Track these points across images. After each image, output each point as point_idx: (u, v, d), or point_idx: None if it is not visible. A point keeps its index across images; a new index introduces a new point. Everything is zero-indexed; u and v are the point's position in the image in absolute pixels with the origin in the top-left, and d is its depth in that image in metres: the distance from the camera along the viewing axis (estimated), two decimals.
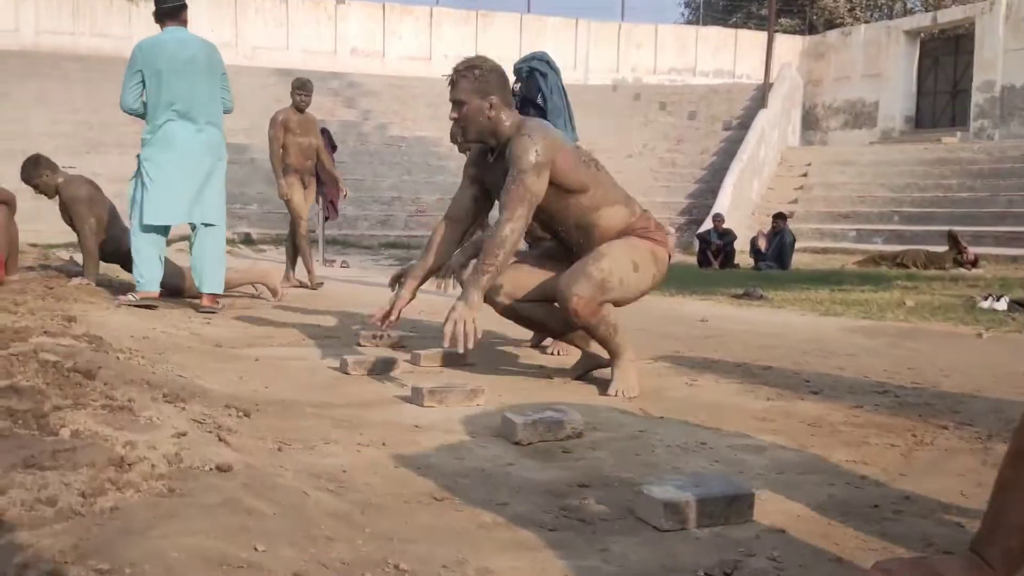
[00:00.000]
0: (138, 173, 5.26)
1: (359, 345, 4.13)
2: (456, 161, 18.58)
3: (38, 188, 5.81)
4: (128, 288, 5.28)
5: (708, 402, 3.01)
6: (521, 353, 4.07)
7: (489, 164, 3.31)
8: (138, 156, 5.33)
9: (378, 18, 23.30)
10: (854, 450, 2.39)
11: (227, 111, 5.55)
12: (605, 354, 3.31)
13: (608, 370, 3.35)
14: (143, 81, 5.15)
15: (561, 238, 3.38)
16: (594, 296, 3.10)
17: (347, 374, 3.27)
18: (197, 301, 5.32)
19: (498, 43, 24.10)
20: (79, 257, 5.98)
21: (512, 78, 6.66)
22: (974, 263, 12.14)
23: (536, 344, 4.31)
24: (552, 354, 4.07)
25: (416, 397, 2.77)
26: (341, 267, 10.55)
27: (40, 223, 12.91)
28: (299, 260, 7.89)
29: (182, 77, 5.17)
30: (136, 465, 1.49)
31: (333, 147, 10.97)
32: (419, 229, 15.45)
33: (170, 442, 1.68)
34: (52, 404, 1.78)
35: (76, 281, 5.44)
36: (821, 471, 2.17)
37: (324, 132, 11.26)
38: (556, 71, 6.51)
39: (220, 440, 1.87)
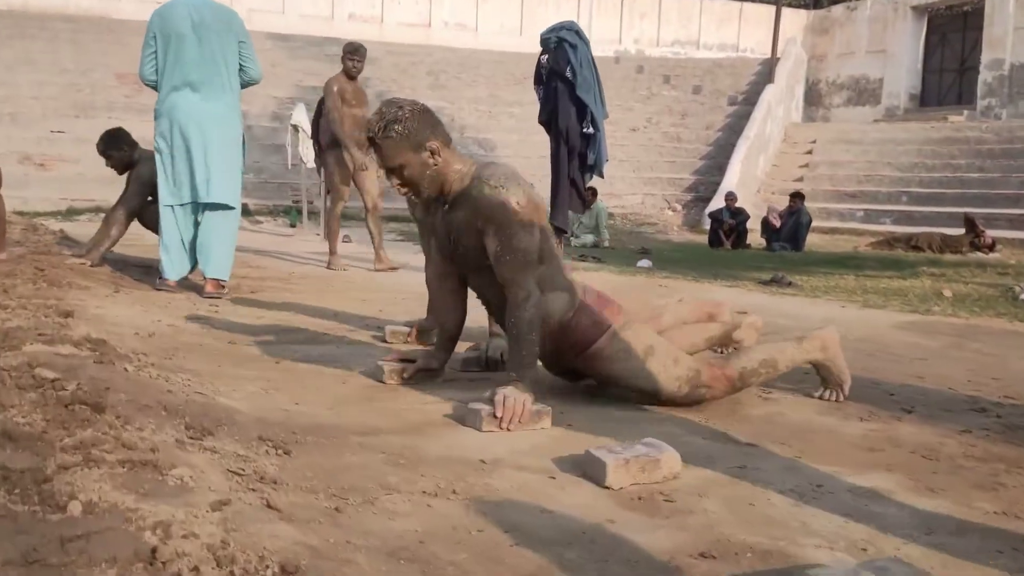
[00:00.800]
0: (157, 150, 4.90)
1: (385, 342, 3.76)
2: (457, 132, 18.11)
3: (111, 160, 5.51)
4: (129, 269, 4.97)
5: (795, 423, 2.66)
6: None
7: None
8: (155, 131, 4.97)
9: None
10: (993, 496, 2.05)
11: (252, 81, 5.08)
12: None
13: None
14: (156, 50, 4.75)
15: (482, 296, 2.89)
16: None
17: (383, 383, 2.90)
18: (201, 284, 4.96)
19: (499, 11, 23.50)
20: (69, 228, 5.61)
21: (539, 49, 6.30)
22: (991, 247, 11.84)
23: None
24: None
25: (473, 419, 2.41)
26: (344, 241, 10.13)
27: (27, 190, 12.42)
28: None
29: (193, 43, 4.77)
30: (172, 564, 1.12)
31: None
32: None
33: (211, 520, 1.32)
34: (57, 463, 1.41)
35: (72, 261, 5.06)
36: (973, 530, 1.83)
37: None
38: (586, 42, 6.13)
39: (269, 506, 1.50)
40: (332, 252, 7.13)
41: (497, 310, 2.81)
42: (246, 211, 13.03)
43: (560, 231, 6.12)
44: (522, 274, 2.59)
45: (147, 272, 5.30)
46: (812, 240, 13.03)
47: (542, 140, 17.72)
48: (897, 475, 2.18)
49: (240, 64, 4.96)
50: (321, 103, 10.80)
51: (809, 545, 1.68)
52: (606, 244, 11.29)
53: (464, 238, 2.68)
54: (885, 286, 7.03)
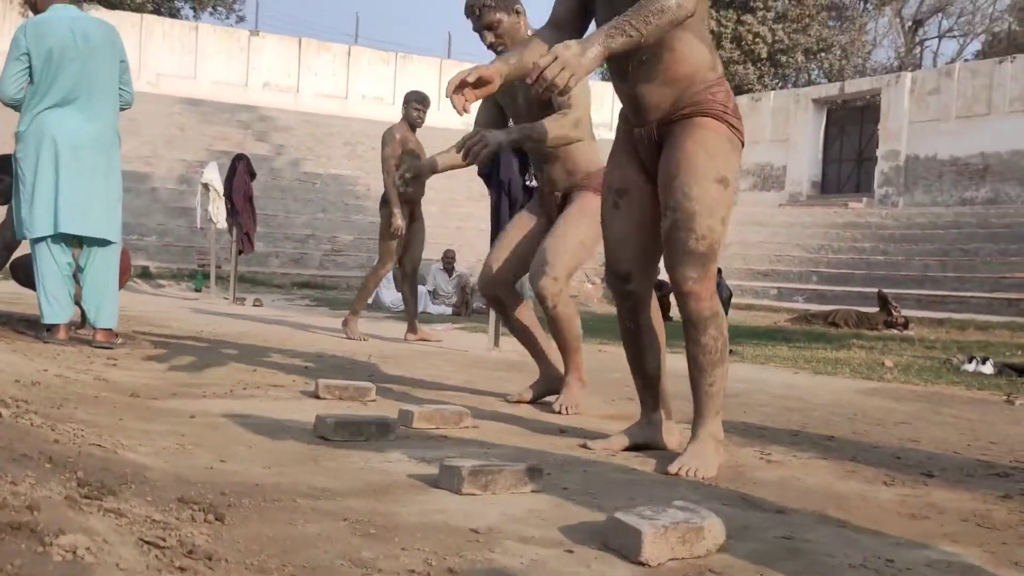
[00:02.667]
0: (15, 177, 4.29)
1: (317, 397, 3.25)
2: (373, 201, 17.69)
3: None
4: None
5: (817, 488, 2.29)
6: (525, 414, 3.27)
7: None
8: (12, 156, 4.36)
9: (293, 52, 22.36)
10: None
11: (126, 105, 4.56)
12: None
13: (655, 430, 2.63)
14: (30, 67, 4.20)
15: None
16: (704, 275, 2.44)
17: (326, 439, 2.40)
18: (89, 336, 4.36)
19: (417, 85, 23.42)
20: None
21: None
22: (905, 325, 11.98)
23: (534, 400, 3.53)
24: (562, 412, 3.30)
25: (449, 480, 1.93)
26: (254, 305, 9.50)
27: None
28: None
29: (75, 59, 4.25)
30: None
31: (251, 175, 10.01)
32: (335, 269, 14.46)
33: None
34: None
35: None
36: None
37: (243, 158, 10.29)
38: None
39: None
40: (353, 313, 6.33)
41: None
42: (148, 274, 12.24)
43: None
44: None
45: (31, 326, 4.62)
46: (732, 316, 13.00)
47: (462, 212, 17.48)
48: (968, 547, 1.81)
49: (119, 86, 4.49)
50: (236, 161, 10.30)
51: None
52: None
53: None
54: (823, 356, 6.86)
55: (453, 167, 3.47)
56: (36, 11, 4.42)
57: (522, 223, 3.66)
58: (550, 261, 3.33)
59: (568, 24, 2.63)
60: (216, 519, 1.45)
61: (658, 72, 2.45)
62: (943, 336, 10.78)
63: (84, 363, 3.66)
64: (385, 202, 6.35)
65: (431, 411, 2.77)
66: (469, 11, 3.31)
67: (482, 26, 3.28)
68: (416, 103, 6.49)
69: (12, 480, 1.27)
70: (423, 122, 6.55)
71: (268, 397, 3.19)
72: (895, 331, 11.59)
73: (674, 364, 3.08)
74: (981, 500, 2.24)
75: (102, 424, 2.22)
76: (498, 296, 3.60)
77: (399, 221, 6.18)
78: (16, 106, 4.28)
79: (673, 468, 2.35)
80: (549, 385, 3.56)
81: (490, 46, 3.29)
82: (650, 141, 2.55)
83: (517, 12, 3.30)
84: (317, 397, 3.25)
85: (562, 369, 3.52)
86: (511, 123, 3.56)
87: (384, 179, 6.37)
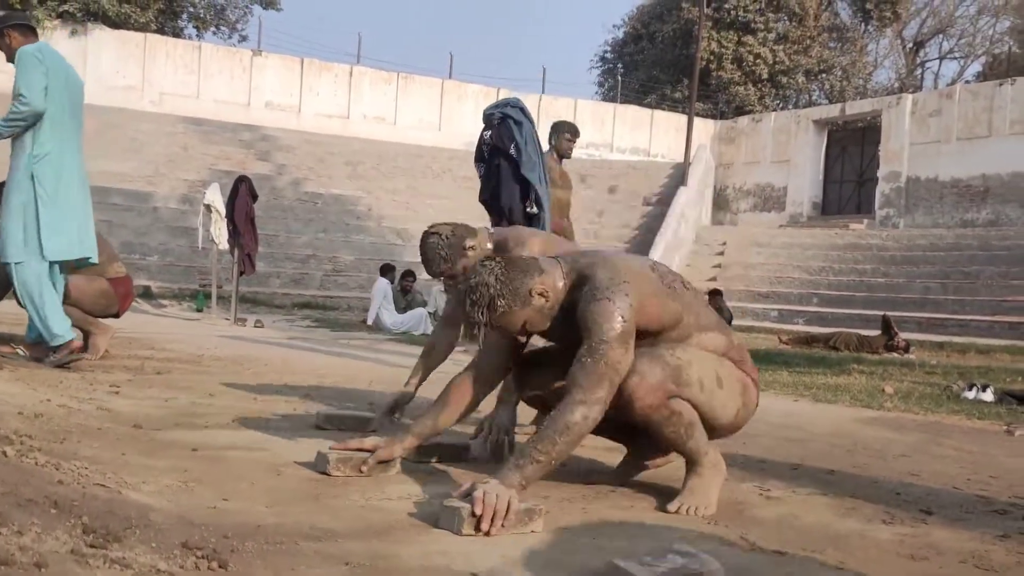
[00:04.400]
0: (30, 195, 4.30)
1: (319, 427, 3.26)
2: (374, 221, 17.74)
3: None
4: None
5: (815, 527, 2.30)
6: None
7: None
8: (30, 176, 4.35)
9: (296, 72, 22.47)
10: None
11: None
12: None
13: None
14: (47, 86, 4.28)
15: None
16: (663, 382, 2.37)
17: (327, 474, 2.42)
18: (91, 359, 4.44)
19: (418, 106, 23.58)
20: None
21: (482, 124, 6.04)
22: (906, 349, 11.98)
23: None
24: None
25: (449, 520, 1.95)
26: (255, 326, 9.52)
27: None
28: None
29: (77, 91, 4.44)
30: None
31: (254, 196, 10.05)
32: (335, 289, 14.47)
33: None
34: None
35: None
36: None
37: (245, 180, 10.34)
38: (531, 120, 5.87)
39: None
40: None
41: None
42: (150, 294, 12.27)
43: None
44: (596, 386, 2.25)
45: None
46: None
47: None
48: None
49: None
50: (238, 183, 10.34)
51: None
52: None
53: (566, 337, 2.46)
54: (823, 382, 6.87)
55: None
56: (10, 52, 4.40)
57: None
58: None
59: (492, 381, 2.64)
60: (220, 566, 1.47)
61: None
62: (944, 360, 10.78)
63: (87, 391, 3.67)
64: None
65: (433, 444, 2.78)
66: (436, 277, 3.21)
67: (451, 280, 3.16)
68: (568, 134, 6.43)
69: (18, 529, 1.29)
70: (571, 154, 6.55)
71: (269, 428, 3.20)
72: (896, 355, 11.59)
73: None
74: (979, 540, 2.25)
75: (105, 460, 2.23)
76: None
77: None
78: (34, 122, 4.27)
79: (673, 507, 2.36)
80: None
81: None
82: None
83: (471, 248, 3.10)
84: (318, 428, 3.26)
85: None
86: None
87: None
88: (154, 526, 1.62)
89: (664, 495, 2.49)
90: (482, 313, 2.34)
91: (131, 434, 2.78)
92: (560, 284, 2.44)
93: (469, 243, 3.13)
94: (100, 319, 5.08)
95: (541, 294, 2.39)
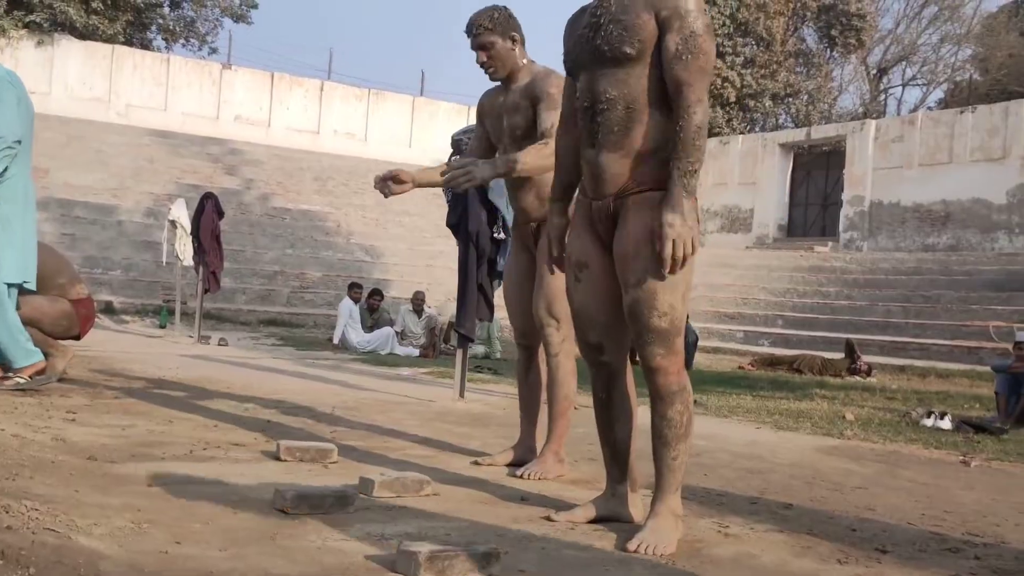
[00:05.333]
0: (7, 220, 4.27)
1: (278, 459, 3.24)
2: (343, 237, 17.67)
3: None
4: None
5: (770, 567, 2.32)
6: (488, 477, 3.27)
7: (499, 102, 3.45)
8: None
9: (266, 87, 22.39)
10: None
11: None
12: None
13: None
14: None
15: (588, 122, 2.60)
16: (670, 350, 2.51)
17: (284, 512, 2.39)
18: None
19: (389, 122, 23.58)
20: None
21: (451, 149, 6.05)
22: (868, 372, 12.14)
23: (508, 464, 3.51)
24: (525, 477, 3.29)
25: (407, 566, 1.94)
26: (219, 345, 9.42)
27: None
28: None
29: (32, 116, 4.37)
30: None
31: (220, 214, 9.98)
32: (303, 306, 14.37)
33: None
34: None
35: None
36: None
37: (211, 197, 10.26)
38: None
39: None
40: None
41: (601, 110, 2.52)
42: (112, 309, 12.11)
43: (466, 339, 5.75)
44: (699, 77, 2.42)
45: None
46: (698, 359, 13.10)
47: (432, 249, 17.46)
48: None
49: None
50: (204, 200, 10.26)
51: None
52: (498, 356, 10.96)
53: (622, 22, 2.47)
54: (786, 407, 6.94)
55: (431, 184, 3.44)
56: None
57: (516, 271, 3.62)
58: (548, 306, 3.35)
59: (572, 120, 2.73)
60: None
61: (625, 144, 2.51)
62: (904, 384, 10.94)
63: (42, 418, 3.61)
64: None
65: (391, 480, 2.77)
66: (468, 29, 3.43)
67: (477, 45, 3.41)
68: None
69: None
70: None
71: (228, 459, 3.17)
72: (858, 378, 11.74)
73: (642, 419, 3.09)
74: None
75: (57, 499, 2.20)
76: (530, 345, 3.57)
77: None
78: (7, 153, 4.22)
79: (632, 545, 2.37)
80: (525, 456, 3.53)
81: (482, 65, 3.44)
82: (606, 215, 2.59)
83: (513, 39, 3.43)
84: (278, 459, 3.23)
85: (537, 440, 3.52)
86: (498, 154, 3.55)
87: None
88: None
89: (625, 533, 2.50)
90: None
91: (85, 467, 2.74)
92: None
93: (518, 36, 3.45)
94: (60, 341, 5.01)
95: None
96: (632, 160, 2.51)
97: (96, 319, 6.19)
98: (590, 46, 2.55)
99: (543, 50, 3.40)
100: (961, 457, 4.71)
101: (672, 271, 2.39)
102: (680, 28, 2.41)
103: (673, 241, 2.36)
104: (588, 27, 2.56)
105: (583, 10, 2.67)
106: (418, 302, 11.11)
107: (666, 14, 2.42)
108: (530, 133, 3.36)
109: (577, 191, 2.77)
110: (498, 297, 7.80)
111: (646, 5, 2.45)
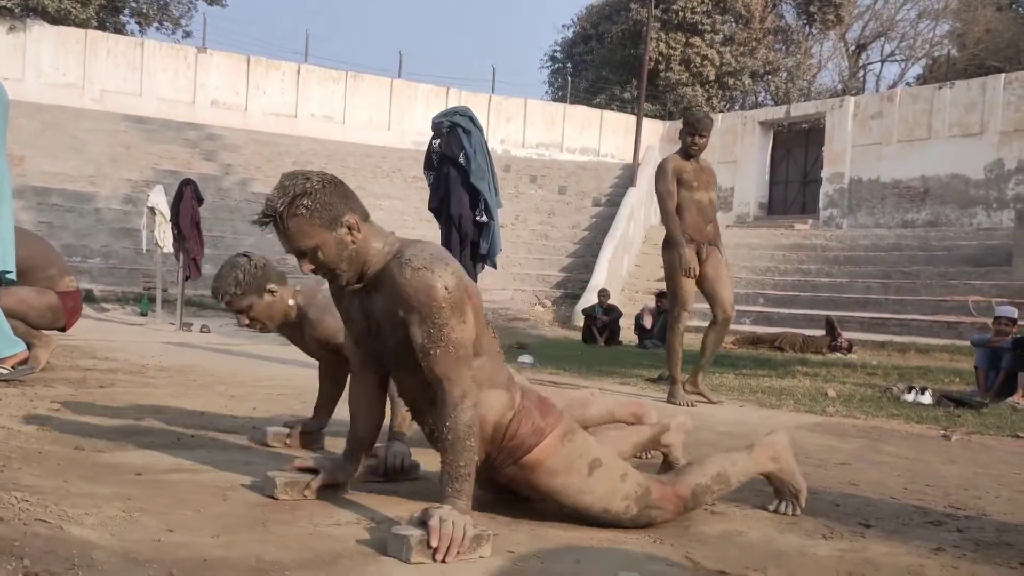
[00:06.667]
0: None
1: (267, 446, 3.24)
2: None
3: None
4: None
5: (758, 544, 2.35)
6: None
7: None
8: None
9: (242, 70, 22.18)
10: None
11: None
12: None
13: None
14: None
15: (406, 396, 2.43)
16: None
17: (274, 498, 2.40)
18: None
19: (367, 105, 23.43)
20: None
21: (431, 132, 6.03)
22: (849, 349, 12.26)
23: None
24: None
25: (398, 548, 1.95)
26: (201, 331, 9.39)
27: None
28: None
29: (5, 106, 4.34)
30: None
31: (199, 200, 9.90)
32: None
33: None
34: None
35: None
36: None
37: (189, 183, 10.18)
38: (480, 129, 5.90)
39: None
40: (674, 380, 5.68)
41: (424, 413, 2.37)
42: (92, 298, 12.01)
43: None
44: (455, 370, 2.16)
45: None
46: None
47: (414, 233, 17.45)
48: None
49: None
50: (183, 186, 10.19)
51: None
52: None
53: (385, 327, 2.26)
54: (768, 385, 7.01)
55: None
56: None
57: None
58: None
59: (370, 367, 2.48)
60: None
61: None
62: (885, 360, 11.06)
63: (27, 408, 3.59)
64: (668, 243, 5.78)
65: (380, 463, 2.78)
66: (217, 296, 3.05)
67: (235, 311, 3.04)
68: (688, 127, 5.69)
69: None
70: (700, 148, 5.69)
71: (216, 446, 3.17)
72: (839, 355, 11.85)
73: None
74: (916, 554, 2.32)
75: (47, 490, 2.19)
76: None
77: (691, 259, 5.61)
78: None
79: None
80: None
81: (247, 327, 3.08)
82: None
83: (271, 292, 3.01)
84: (266, 445, 3.23)
85: None
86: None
87: (663, 220, 5.77)
88: (97, 566, 1.60)
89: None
90: (284, 204, 2.13)
91: (73, 457, 2.73)
92: (376, 244, 2.23)
93: (271, 286, 3.01)
94: (43, 330, 4.98)
95: (350, 228, 2.18)
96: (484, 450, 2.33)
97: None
98: (376, 352, 2.38)
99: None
100: (942, 431, 4.78)
101: (434, 556, 1.96)
102: (421, 322, 2.15)
103: (441, 519, 1.98)
104: (369, 333, 2.34)
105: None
106: None
107: (404, 314, 2.17)
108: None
109: None
110: (483, 278, 7.78)
111: (396, 311, 2.20)
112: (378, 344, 2.32)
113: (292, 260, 2.31)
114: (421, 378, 2.22)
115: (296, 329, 3.20)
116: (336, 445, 3.16)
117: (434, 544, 1.94)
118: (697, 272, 5.66)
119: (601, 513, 2.37)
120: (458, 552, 1.96)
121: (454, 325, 2.16)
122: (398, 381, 2.41)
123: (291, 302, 3.09)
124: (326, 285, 2.73)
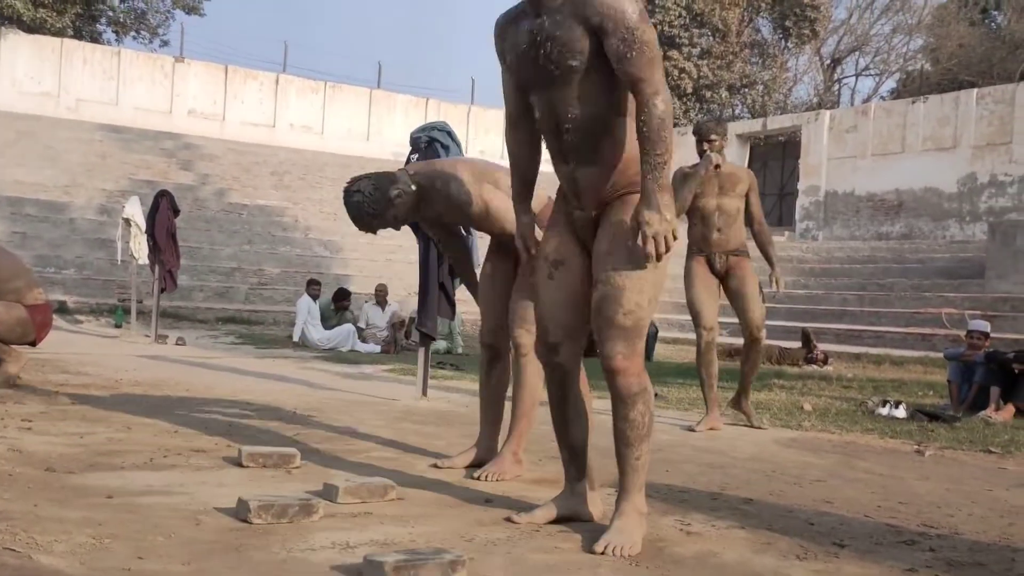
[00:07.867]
0: None
1: (241, 465, 3.21)
2: (301, 232, 17.50)
3: None
4: None
5: (731, 564, 2.36)
6: (452, 479, 3.28)
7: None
8: None
9: (219, 80, 22.05)
10: None
11: None
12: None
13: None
14: None
15: (552, 140, 2.65)
16: (632, 351, 2.54)
17: (248, 522, 2.38)
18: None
19: (346, 115, 23.38)
20: None
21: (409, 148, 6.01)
22: (824, 361, 12.34)
23: (467, 466, 3.52)
24: (483, 479, 3.30)
25: (373, 574, 1.94)
26: (177, 344, 9.30)
27: None
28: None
29: None
30: None
31: (175, 211, 9.83)
32: (261, 303, 14.21)
33: None
34: None
35: None
36: None
37: (165, 194, 10.10)
38: (458, 144, 5.88)
39: None
40: (709, 411, 5.37)
41: (567, 129, 2.55)
42: (66, 309, 11.88)
43: (428, 337, 5.74)
44: (648, 70, 2.42)
45: None
46: (658, 350, 13.22)
47: (391, 244, 17.34)
48: None
49: None
50: (159, 197, 10.10)
51: None
52: (459, 351, 10.96)
53: (559, 38, 2.48)
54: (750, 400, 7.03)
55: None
56: None
57: (495, 271, 3.61)
58: (524, 308, 3.33)
59: (520, 119, 2.77)
60: None
61: (597, 158, 2.54)
62: (860, 372, 11.13)
63: None
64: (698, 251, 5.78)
65: (356, 486, 2.77)
66: (362, 229, 3.44)
67: (384, 228, 3.46)
68: (697, 135, 5.58)
69: None
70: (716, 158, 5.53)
71: (189, 466, 3.14)
72: (815, 367, 11.94)
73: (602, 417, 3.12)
74: (889, 575, 2.33)
75: (16, 515, 2.16)
76: (496, 345, 3.56)
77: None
78: None
79: (599, 547, 2.39)
80: (484, 457, 3.54)
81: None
82: (588, 222, 2.64)
83: (397, 196, 3.33)
84: (240, 465, 3.20)
85: (499, 440, 3.53)
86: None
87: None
88: None
89: (590, 533, 2.52)
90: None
91: (43, 479, 2.70)
92: None
93: (394, 192, 3.28)
94: (13, 346, 4.92)
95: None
96: (608, 172, 2.58)
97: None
98: (535, 66, 2.56)
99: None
100: (916, 446, 4.82)
101: (647, 264, 2.43)
102: (615, 29, 2.41)
103: (652, 238, 2.39)
104: (528, 46, 2.57)
105: (514, 19, 2.66)
106: (381, 295, 11.04)
107: (596, 21, 2.44)
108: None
109: (557, 193, 2.80)
110: (459, 293, 7.79)
111: (576, 17, 2.46)
112: (540, 58, 2.51)
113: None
114: (570, 93, 2.51)
115: (430, 208, 3.40)
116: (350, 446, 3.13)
117: (648, 251, 2.37)
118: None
119: (621, 295, 2.49)
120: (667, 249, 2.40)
121: (644, 28, 2.43)
122: (547, 104, 2.58)
123: (412, 187, 3.34)
124: (440, 164, 3.53)
